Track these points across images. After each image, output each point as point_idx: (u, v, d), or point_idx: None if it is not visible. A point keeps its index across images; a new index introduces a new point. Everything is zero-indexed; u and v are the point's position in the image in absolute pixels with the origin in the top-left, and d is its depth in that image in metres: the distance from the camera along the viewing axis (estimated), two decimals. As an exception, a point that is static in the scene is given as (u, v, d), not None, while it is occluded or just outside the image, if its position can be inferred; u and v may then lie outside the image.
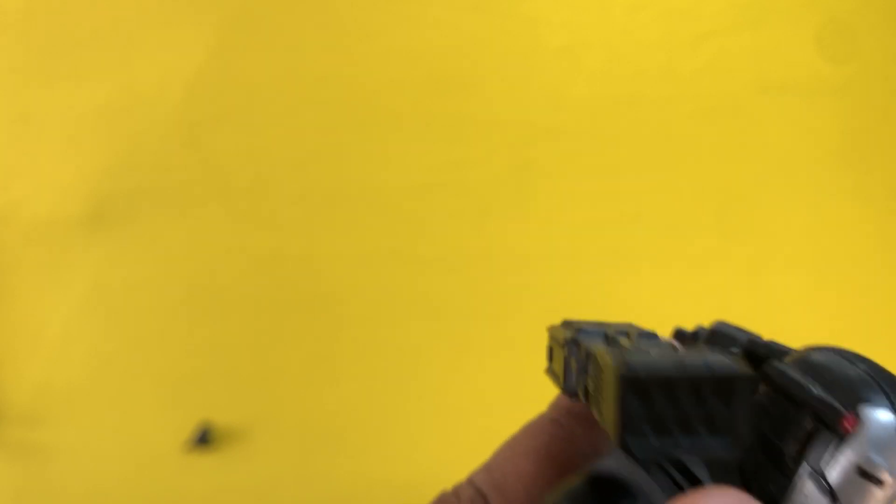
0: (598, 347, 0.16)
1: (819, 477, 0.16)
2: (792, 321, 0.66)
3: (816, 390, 0.16)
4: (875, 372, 0.16)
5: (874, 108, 0.70)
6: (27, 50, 0.77)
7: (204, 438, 0.69)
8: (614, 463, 0.19)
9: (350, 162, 0.73)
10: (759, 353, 0.19)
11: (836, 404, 0.15)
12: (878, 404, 0.15)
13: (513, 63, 0.72)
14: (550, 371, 0.22)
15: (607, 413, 0.14)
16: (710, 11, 0.71)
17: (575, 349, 0.19)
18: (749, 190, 0.70)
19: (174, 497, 0.70)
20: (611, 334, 0.19)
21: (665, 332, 0.21)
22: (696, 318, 0.23)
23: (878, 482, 0.15)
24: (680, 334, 0.22)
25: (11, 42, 0.77)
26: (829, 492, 0.15)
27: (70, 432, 0.71)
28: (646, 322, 0.21)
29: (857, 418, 0.15)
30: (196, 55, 0.74)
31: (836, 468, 0.15)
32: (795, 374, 0.17)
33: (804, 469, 0.16)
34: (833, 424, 0.15)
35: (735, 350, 0.19)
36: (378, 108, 0.73)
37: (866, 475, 0.15)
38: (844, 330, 0.66)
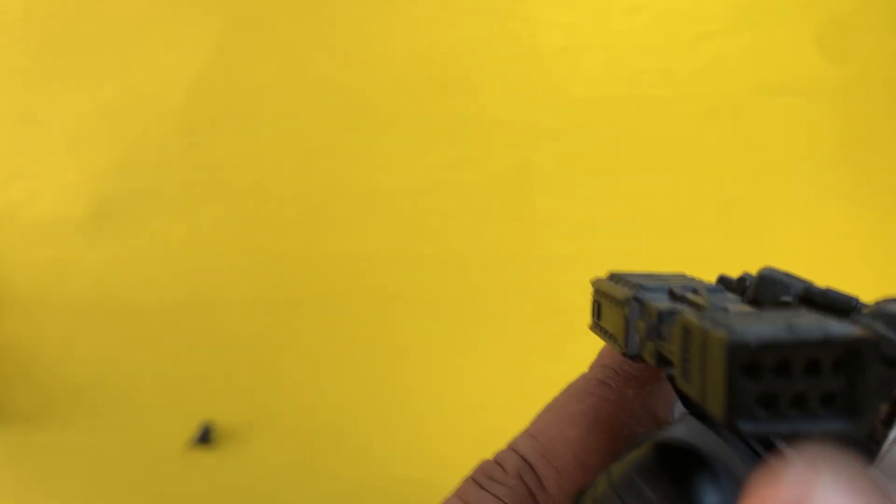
0: (688, 315, 0.14)
1: None
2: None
3: None
4: None
5: (874, 108, 0.70)
6: (28, 50, 0.77)
7: (205, 437, 0.69)
8: (684, 429, 0.17)
9: (350, 162, 0.73)
10: (818, 303, 0.17)
11: None
12: None
13: (512, 64, 0.72)
14: (597, 328, 0.20)
15: (711, 389, 0.12)
16: (709, 12, 0.71)
17: (638, 308, 0.17)
18: (749, 190, 0.70)
19: (176, 496, 0.70)
20: (677, 291, 0.17)
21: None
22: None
23: None
24: (725, 281, 0.20)
25: (12, 42, 0.77)
26: None
27: (71, 432, 0.71)
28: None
29: None
30: (198, 56, 0.75)
31: None
32: (883, 330, 0.15)
33: (895, 433, 0.15)
34: None
35: (788, 299, 0.17)
36: (378, 109, 0.73)
37: None
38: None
